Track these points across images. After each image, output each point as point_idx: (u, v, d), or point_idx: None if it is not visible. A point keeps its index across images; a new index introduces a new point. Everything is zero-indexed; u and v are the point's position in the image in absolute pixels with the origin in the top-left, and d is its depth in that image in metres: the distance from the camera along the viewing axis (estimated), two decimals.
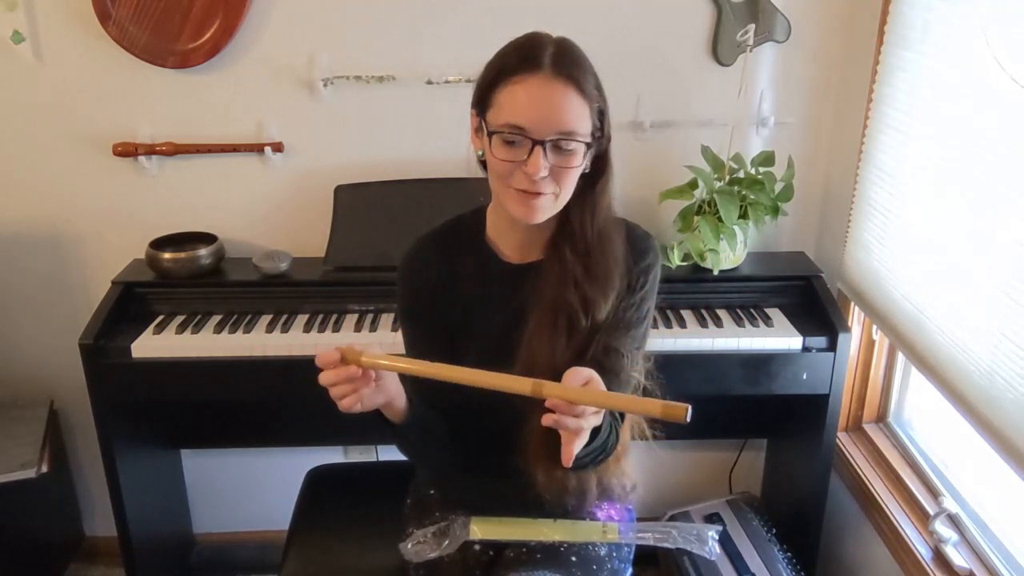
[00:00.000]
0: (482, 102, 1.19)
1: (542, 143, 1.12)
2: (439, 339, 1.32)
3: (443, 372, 1.06)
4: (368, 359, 1.07)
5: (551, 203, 1.18)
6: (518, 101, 1.13)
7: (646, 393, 1.35)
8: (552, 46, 1.16)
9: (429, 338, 1.33)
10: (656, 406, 0.94)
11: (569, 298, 1.22)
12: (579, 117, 1.14)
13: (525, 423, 1.24)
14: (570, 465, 1.04)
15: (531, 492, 1.31)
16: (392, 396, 1.16)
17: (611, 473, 1.38)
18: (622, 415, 1.26)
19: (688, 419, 0.92)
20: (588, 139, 1.16)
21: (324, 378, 1.08)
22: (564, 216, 1.24)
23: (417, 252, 1.33)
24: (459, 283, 1.31)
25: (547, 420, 1.01)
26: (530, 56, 1.14)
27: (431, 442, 1.30)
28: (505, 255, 1.31)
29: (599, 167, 1.22)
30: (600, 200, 1.24)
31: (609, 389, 1.19)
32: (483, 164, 1.23)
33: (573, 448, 1.02)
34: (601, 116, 1.18)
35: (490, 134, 1.15)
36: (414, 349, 1.34)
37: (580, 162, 1.16)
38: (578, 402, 0.98)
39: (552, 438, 1.21)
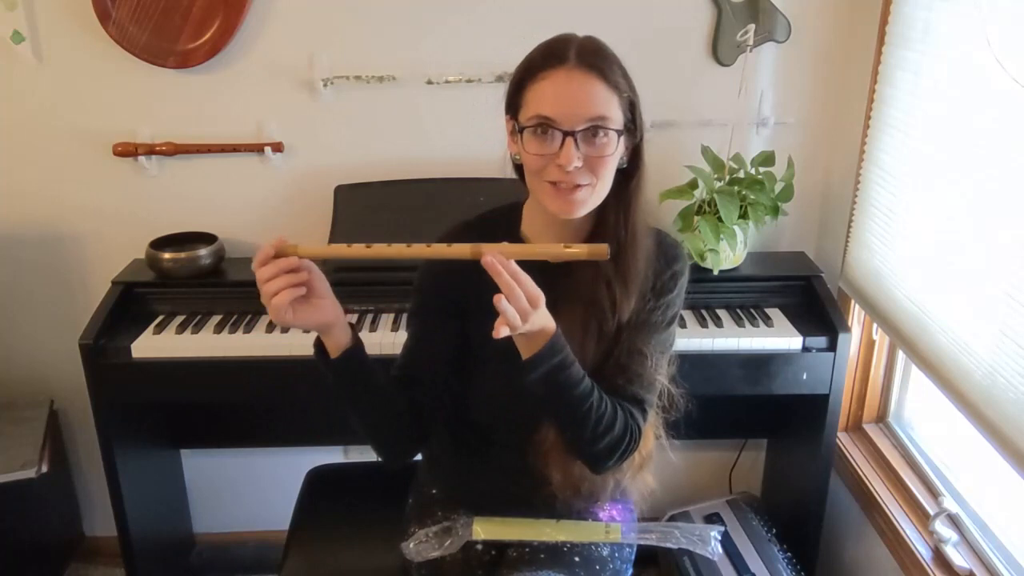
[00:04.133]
0: (513, 104, 1.19)
1: (572, 133, 1.12)
2: (450, 329, 1.29)
3: (380, 252, 1.10)
4: (305, 249, 1.12)
5: (589, 196, 1.17)
6: (545, 94, 1.13)
7: (671, 399, 1.35)
8: (577, 42, 1.17)
9: (439, 326, 1.29)
10: (583, 249, 1.07)
11: (600, 297, 1.22)
12: (606, 105, 1.14)
13: (540, 425, 1.25)
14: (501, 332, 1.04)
15: (542, 492, 1.31)
16: (330, 320, 1.16)
17: (631, 480, 1.38)
18: (621, 407, 1.26)
19: (608, 255, 1.06)
20: (619, 127, 1.15)
21: (261, 273, 1.10)
22: (599, 215, 1.24)
23: (452, 237, 1.30)
24: (488, 275, 1.28)
25: (497, 299, 1.03)
26: (555, 52, 1.15)
27: (375, 404, 1.24)
28: None
29: (633, 164, 1.22)
30: (634, 198, 1.23)
31: (633, 390, 1.23)
32: (518, 169, 1.23)
33: (504, 326, 1.04)
34: (632, 108, 1.18)
35: (521, 130, 1.15)
36: (422, 337, 1.31)
37: (613, 151, 1.15)
38: (512, 256, 1.05)
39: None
